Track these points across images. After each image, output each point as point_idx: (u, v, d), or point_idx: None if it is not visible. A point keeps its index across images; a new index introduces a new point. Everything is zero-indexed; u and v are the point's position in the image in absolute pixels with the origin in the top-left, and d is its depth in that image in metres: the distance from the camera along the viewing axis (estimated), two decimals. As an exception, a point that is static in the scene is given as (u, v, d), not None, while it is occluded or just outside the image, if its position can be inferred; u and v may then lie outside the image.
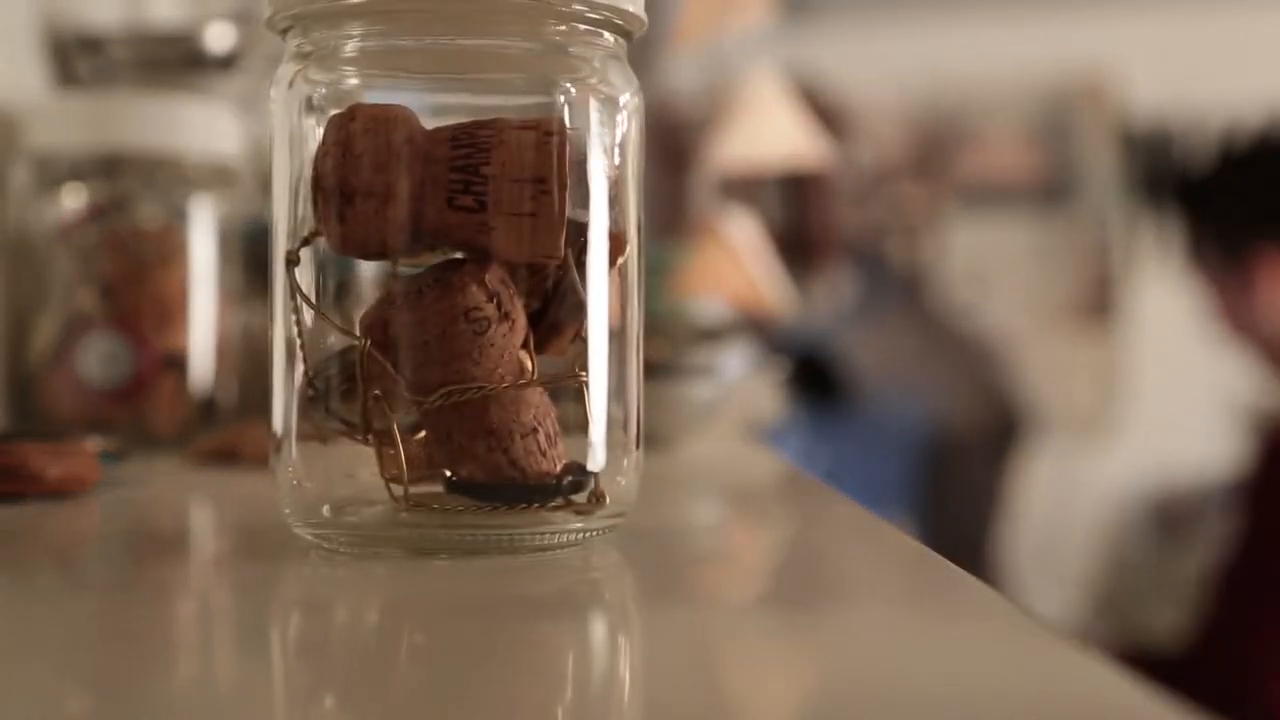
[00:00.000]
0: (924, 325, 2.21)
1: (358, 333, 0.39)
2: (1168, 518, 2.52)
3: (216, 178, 0.75)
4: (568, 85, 0.40)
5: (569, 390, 0.40)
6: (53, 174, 0.72)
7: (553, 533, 0.39)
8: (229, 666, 0.30)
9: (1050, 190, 3.18)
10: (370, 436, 0.39)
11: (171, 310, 0.72)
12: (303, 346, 0.40)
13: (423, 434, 0.39)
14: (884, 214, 2.41)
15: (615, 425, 0.41)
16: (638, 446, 0.41)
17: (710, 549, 0.46)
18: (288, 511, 0.40)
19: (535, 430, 0.39)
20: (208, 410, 0.73)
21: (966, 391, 2.14)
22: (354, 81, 0.40)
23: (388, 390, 0.39)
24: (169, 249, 0.73)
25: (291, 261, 0.40)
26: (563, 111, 0.39)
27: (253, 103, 0.80)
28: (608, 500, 0.40)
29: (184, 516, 0.54)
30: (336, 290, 0.41)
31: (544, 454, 0.39)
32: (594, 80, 0.40)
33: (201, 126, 0.74)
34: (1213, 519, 1.96)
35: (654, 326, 0.61)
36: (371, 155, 0.37)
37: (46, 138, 0.72)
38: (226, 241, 0.75)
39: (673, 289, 1.13)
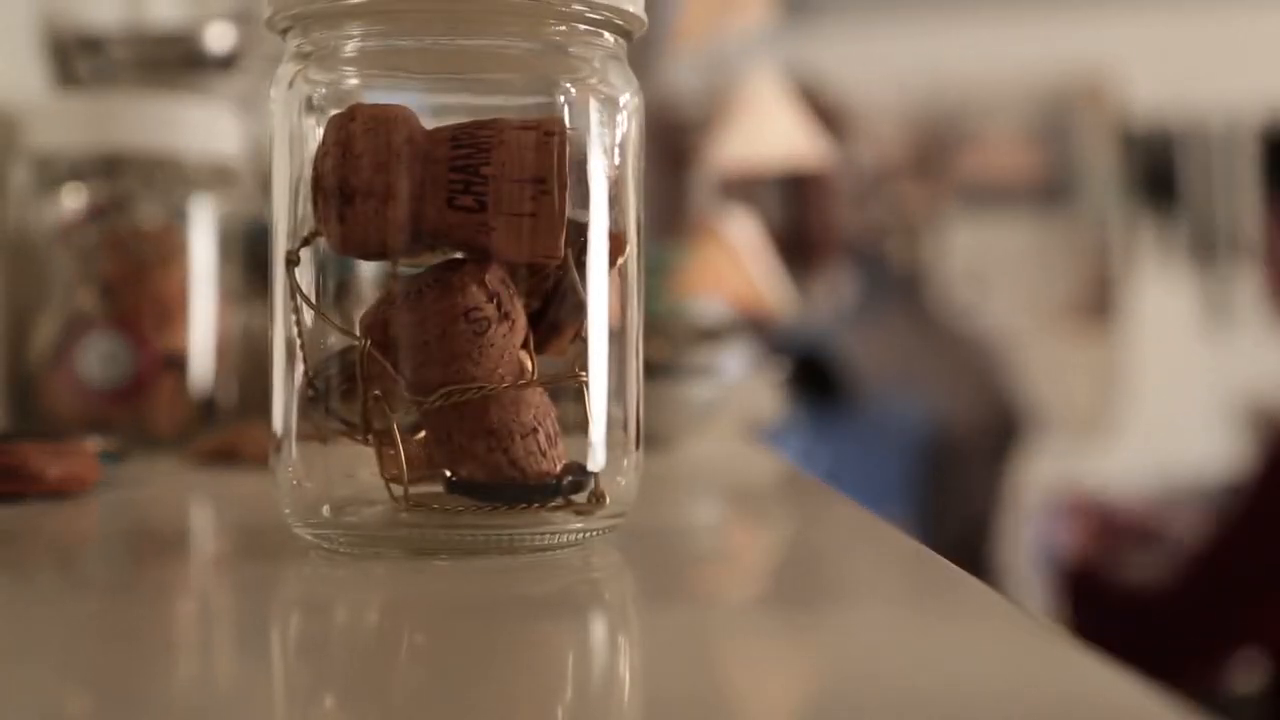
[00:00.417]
0: (924, 325, 2.21)
1: (358, 333, 0.39)
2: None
3: (216, 178, 0.75)
4: (568, 85, 0.40)
5: (569, 390, 0.40)
6: (53, 174, 0.72)
7: (553, 533, 0.39)
8: (229, 666, 0.30)
9: (1050, 190, 3.18)
10: (370, 436, 0.39)
11: (171, 310, 0.72)
12: (303, 346, 0.40)
13: (423, 434, 0.39)
14: (884, 214, 2.41)
15: (615, 425, 0.41)
16: (638, 446, 0.41)
17: (710, 549, 0.46)
18: (288, 511, 0.40)
19: (535, 430, 0.39)
20: (208, 410, 0.73)
21: (966, 391, 2.14)
22: (354, 81, 0.40)
23: (388, 390, 0.39)
24: (169, 249, 0.73)
25: (291, 261, 0.40)
26: (563, 111, 0.39)
27: (253, 103, 0.80)
28: (608, 500, 0.40)
29: (184, 516, 0.54)
30: (336, 290, 0.41)
31: (544, 454, 0.39)
32: (594, 80, 0.40)
33: (201, 126, 0.74)
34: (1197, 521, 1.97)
35: (654, 326, 0.61)
36: (371, 155, 0.37)
37: (46, 138, 0.72)
38: (226, 241, 0.75)
39: (673, 289, 1.13)
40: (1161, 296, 3.07)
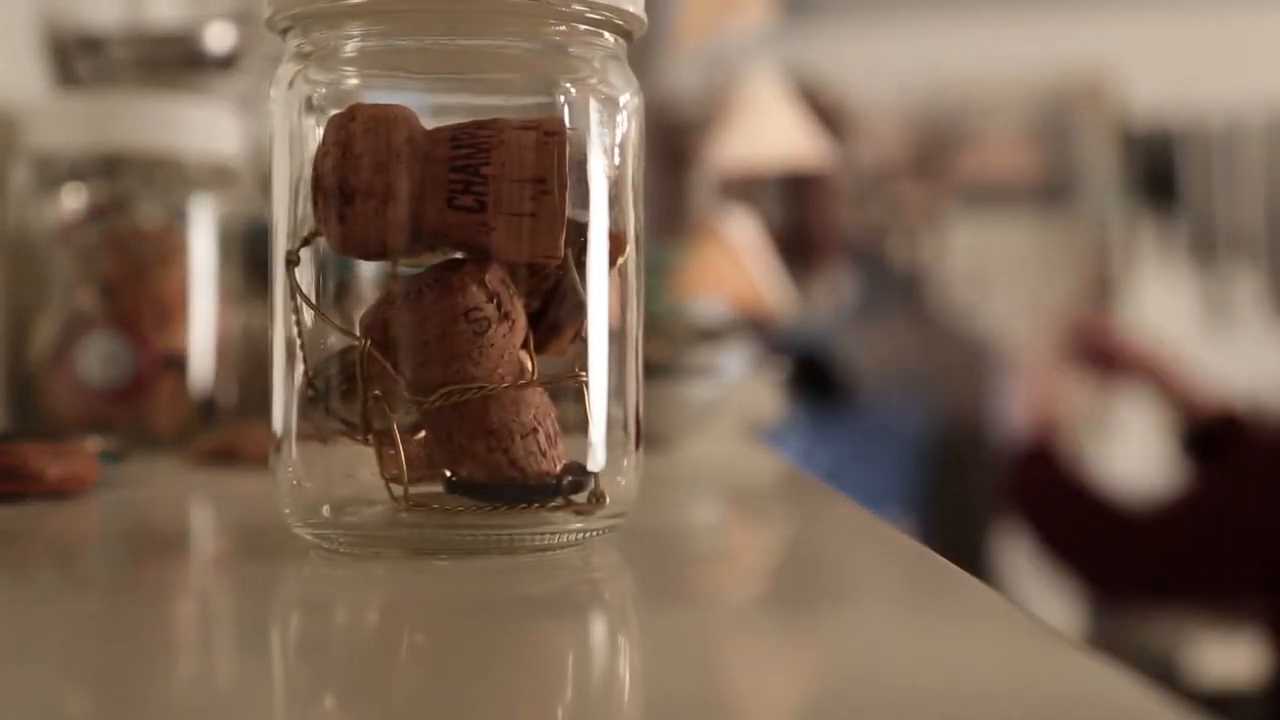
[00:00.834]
0: (924, 325, 2.21)
1: (358, 333, 0.39)
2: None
3: (216, 178, 0.75)
4: (568, 85, 0.40)
5: (569, 390, 0.40)
6: (53, 174, 0.72)
7: (553, 533, 0.39)
8: (229, 666, 0.30)
9: (1050, 190, 3.18)
10: (370, 436, 0.39)
11: (171, 310, 0.72)
12: (303, 346, 0.40)
13: (423, 434, 0.39)
14: (884, 214, 2.41)
15: (615, 425, 0.41)
16: (638, 446, 0.41)
17: (710, 549, 0.46)
18: (288, 511, 0.40)
19: (535, 430, 0.39)
20: (208, 410, 0.73)
21: (966, 392, 2.14)
22: (354, 81, 0.40)
23: (388, 390, 0.39)
24: (169, 249, 0.73)
25: (291, 261, 0.40)
26: (563, 111, 0.39)
27: (253, 103, 0.80)
28: (608, 500, 0.40)
29: (184, 516, 0.54)
30: (336, 290, 0.41)
31: (544, 454, 0.39)
32: (594, 80, 0.40)
33: (201, 126, 0.74)
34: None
35: (654, 326, 0.61)
36: (371, 155, 0.37)
37: (46, 138, 0.72)
38: (226, 241, 0.75)
39: (673, 289, 1.13)
40: (1161, 296, 3.07)
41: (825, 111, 1.91)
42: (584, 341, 0.40)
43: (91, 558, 0.43)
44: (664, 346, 0.95)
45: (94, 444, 0.56)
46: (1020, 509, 1.71)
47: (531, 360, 0.40)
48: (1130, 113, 3.12)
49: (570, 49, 0.40)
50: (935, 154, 3.08)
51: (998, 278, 2.98)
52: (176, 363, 0.72)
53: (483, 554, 0.38)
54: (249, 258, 0.76)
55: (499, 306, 0.38)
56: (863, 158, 2.33)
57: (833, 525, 0.50)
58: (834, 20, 2.93)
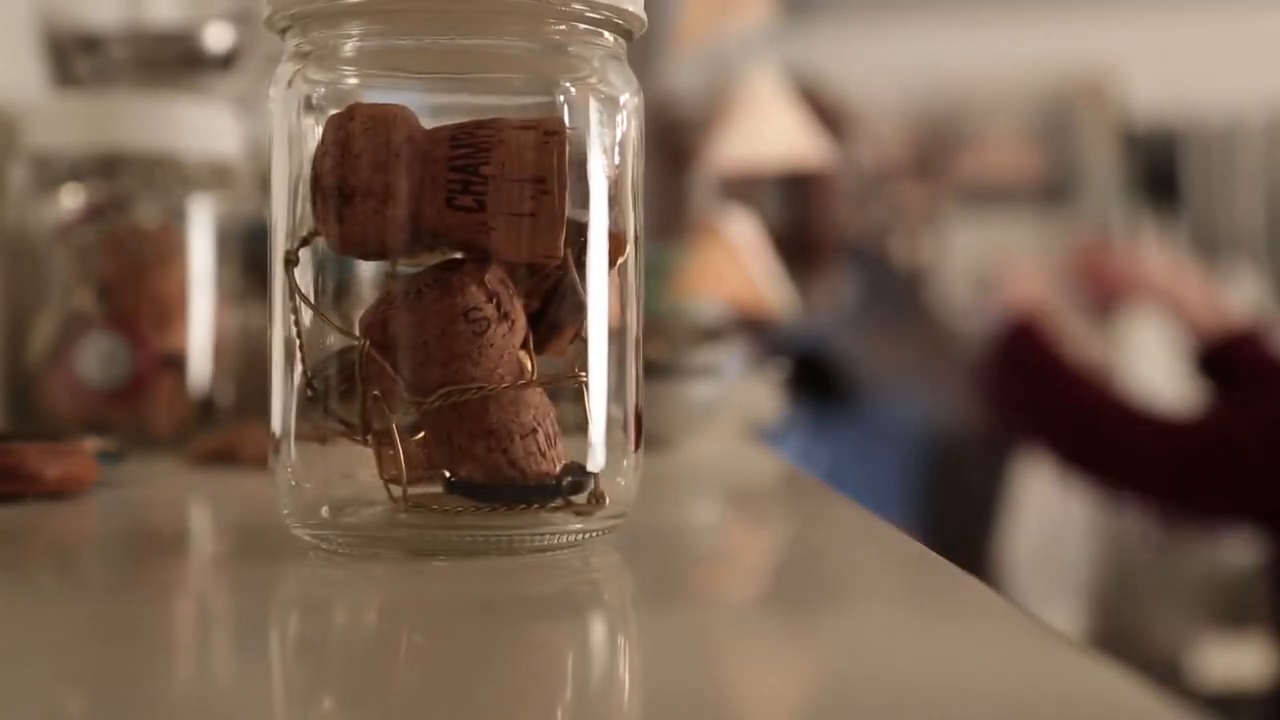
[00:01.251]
0: (924, 326, 2.21)
1: (357, 333, 0.39)
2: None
3: (215, 177, 0.75)
4: (568, 85, 0.40)
5: (569, 390, 0.40)
6: (52, 174, 0.72)
7: (552, 533, 0.39)
8: (228, 666, 0.30)
9: (1051, 190, 3.18)
10: (369, 437, 0.39)
11: (170, 310, 0.72)
12: (301, 347, 0.40)
13: (422, 434, 0.39)
14: (884, 214, 2.41)
15: (615, 425, 0.40)
16: (637, 447, 0.41)
17: (710, 549, 0.46)
18: (286, 512, 0.40)
19: (535, 430, 0.39)
20: (206, 410, 0.73)
21: (966, 392, 2.14)
22: (353, 81, 0.40)
23: (387, 390, 0.38)
24: (168, 249, 0.73)
25: (290, 261, 0.40)
26: (563, 111, 0.39)
27: (252, 103, 0.80)
28: (607, 500, 0.40)
29: (183, 516, 0.54)
30: (336, 290, 0.41)
31: (543, 454, 0.39)
32: (594, 80, 0.40)
33: (200, 126, 0.74)
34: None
35: (654, 326, 0.61)
36: (370, 155, 0.37)
37: (46, 138, 0.72)
38: (225, 241, 0.75)
39: (673, 289, 1.13)
40: (1161, 296, 3.06)
41: (825, 111, 1.90)
42: (584, 341, 0.40)
43: (90, 558, 0.43)
44: (664, 346, 0.95)
45: (92, 444, 0.56)
46: (999, 388, 1.64)
47: (531, 360, 0.40)
48: (1131, 112, 3.12)
49: (570, 48, 0.40)
50: (935, 154, 3.08)
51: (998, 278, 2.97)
52: (175, 363, 0.72)
53: (482, 555, 0.38)
54: (248, 257, 0.76)
55: (498, 306, 0.38)
56: (863, 158, 2.33)
57: (833, 525, 0.50)
58: (834, 20, 2.93)
